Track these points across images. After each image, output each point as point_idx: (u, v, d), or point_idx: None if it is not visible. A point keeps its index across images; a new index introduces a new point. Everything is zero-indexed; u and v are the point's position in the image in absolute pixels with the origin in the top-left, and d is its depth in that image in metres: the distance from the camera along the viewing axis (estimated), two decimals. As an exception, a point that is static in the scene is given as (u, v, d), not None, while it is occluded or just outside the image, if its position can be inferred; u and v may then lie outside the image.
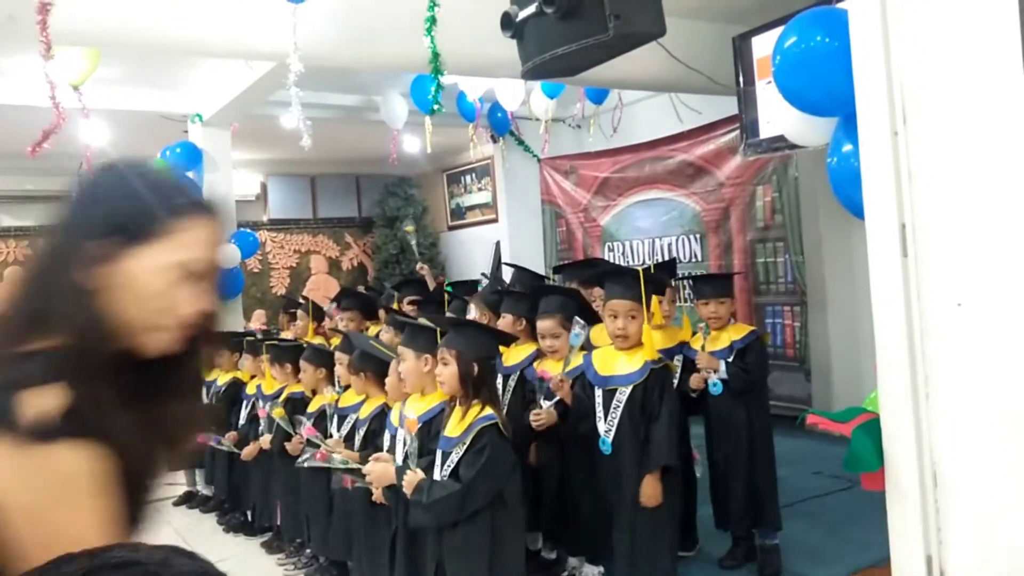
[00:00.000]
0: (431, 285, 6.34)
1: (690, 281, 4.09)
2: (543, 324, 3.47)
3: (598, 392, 3.13)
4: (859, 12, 2.18)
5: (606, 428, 3.08)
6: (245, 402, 4.79)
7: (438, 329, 2.93)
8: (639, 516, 3.01)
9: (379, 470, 2.88)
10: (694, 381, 3.57)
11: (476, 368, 2.73)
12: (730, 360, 3.55)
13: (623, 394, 3.06)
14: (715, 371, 3.54)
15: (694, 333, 3.74)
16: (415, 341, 2.98)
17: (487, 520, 2.64)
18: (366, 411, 3.44)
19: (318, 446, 3.37)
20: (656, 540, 3.05)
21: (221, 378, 5.18)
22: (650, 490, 2.96)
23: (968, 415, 2.06)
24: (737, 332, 3.64)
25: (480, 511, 2.62)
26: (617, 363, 3.13)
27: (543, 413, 3.31)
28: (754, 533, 3.65)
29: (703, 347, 3.60)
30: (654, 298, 3.29)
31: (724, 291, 3.69)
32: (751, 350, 3.59)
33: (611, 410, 3.07)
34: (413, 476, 2.69)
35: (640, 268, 3.41)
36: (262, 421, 4.32)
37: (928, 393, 2.09)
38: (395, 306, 5.01)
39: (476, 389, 2.73)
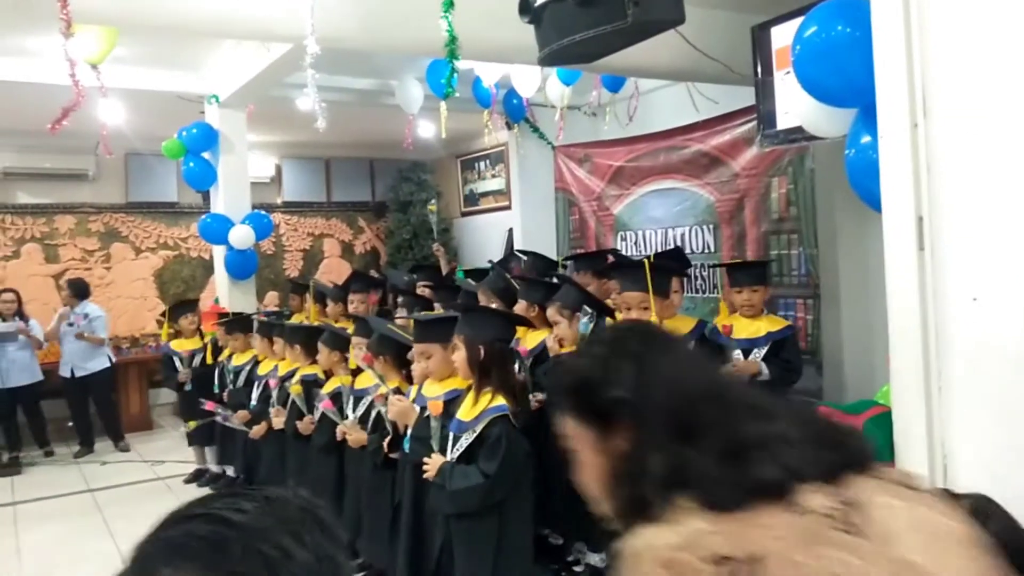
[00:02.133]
0: (444, 269, 6.35)
1: (720, 269, 4.09)
2: (548, 312, 3.56)
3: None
4: (881, 2, 2.16)
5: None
6: (257, 383, 4.82)
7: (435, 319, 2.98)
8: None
9: (401, 406, 2.95)
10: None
11: (483, 352, 2.74)
12: (765, 348, 3.52)
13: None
14: (755, 375, 3.47)
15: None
16: (436, 333, 3.00)
17: (496, 507, 2.67)
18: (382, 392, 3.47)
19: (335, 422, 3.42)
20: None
21: (237, 359, 5.23)
22: None
23: (980, 411, 2.05)
24: (773, 324, 3.60)
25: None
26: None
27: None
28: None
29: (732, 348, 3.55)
30: (674, 286, 3.29)
31: (758, 279, 3.64)
32: (789, 345, 3.56)
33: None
34: (437, 459, 2.71)
35: (645, 259, 3.40)
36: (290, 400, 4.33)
37: (941, 387, 2.08)
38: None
39: (485, 373, 2.74)
